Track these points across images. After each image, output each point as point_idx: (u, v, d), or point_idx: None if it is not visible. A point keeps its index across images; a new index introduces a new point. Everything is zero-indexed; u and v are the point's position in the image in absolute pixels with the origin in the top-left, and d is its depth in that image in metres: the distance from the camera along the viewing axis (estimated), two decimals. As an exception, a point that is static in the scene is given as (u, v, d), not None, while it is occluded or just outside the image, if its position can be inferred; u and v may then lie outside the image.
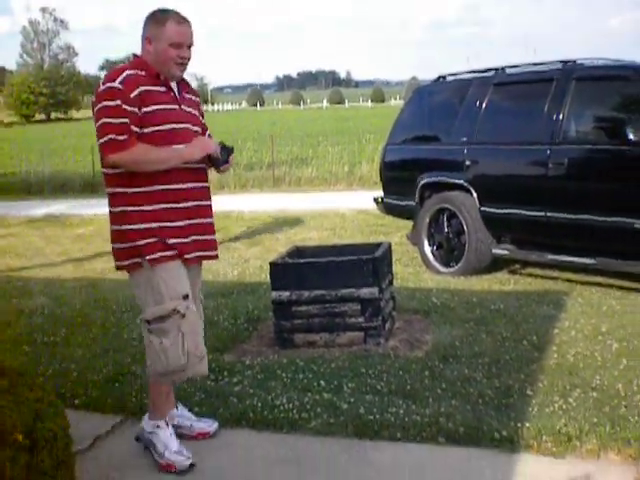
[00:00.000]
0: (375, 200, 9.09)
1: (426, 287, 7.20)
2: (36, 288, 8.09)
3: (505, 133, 7.44)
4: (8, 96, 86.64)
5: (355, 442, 3.91)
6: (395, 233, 10.47)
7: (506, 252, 7.51)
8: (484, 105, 7.60)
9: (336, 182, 18.23)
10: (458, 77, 8.36)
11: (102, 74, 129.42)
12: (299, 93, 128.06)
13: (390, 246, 6.03)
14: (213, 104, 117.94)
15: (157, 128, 3.59)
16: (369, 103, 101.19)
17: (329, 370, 4.85)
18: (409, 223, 8.84)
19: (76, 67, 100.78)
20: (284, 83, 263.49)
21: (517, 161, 7.31)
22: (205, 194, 3.84)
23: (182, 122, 3.71)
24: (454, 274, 7.75)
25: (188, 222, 3.70)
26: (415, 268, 8.21)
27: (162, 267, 3.62)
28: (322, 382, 4.63)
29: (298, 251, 6.05)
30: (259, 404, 4.33)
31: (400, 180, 8.62)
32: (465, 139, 7.70)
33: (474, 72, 8.21)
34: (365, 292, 5.33)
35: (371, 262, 5.37)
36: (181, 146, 3.65)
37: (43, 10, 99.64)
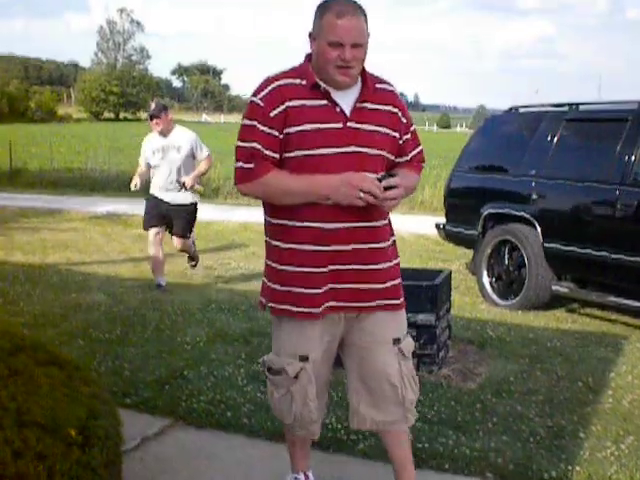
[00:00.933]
0: (437, 226, 9.03)
1: (482, 318, 7.11)
2: (94, 284, 8.21)
3: (575, 169, 7.33)
4: (79, 92, 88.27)
5: (401, 469, 3.87)
6: (454, 261, 10.41)
7: (566, 290, 7.39)
8: (555, 140, 7.52)
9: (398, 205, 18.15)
10: (530, 109, 8.28)
11: (173, 78, 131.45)
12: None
13: (450, 274, 5.97)
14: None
15: (307, 152, 2.94)
16: (435, 128, 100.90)
17: (379, 393, 4.81)
18: (469, 252, 8.78)
19: (148, 70, 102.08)
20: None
21: (585, 199, 7.20)
22: (370, 235, 3.04)
23: (345, 145, 2.96)
24: (511, 307, 7.66)
25: (333, 268, 3.01)
26: (472, 298, 8.13)
27: (286, 319, 3.13)
28: (372, 405, 4.60)
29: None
30: (307, 421, 4.31)
31: (464, 208, 8.56)
32: (533, 172, 7.62)
33: (547, 105, 8.12)
34: (422, 318, 5.28)
35: (430, 289, 5.33)
36: (338, 176, 2.90)
37: (121, 11, 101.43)
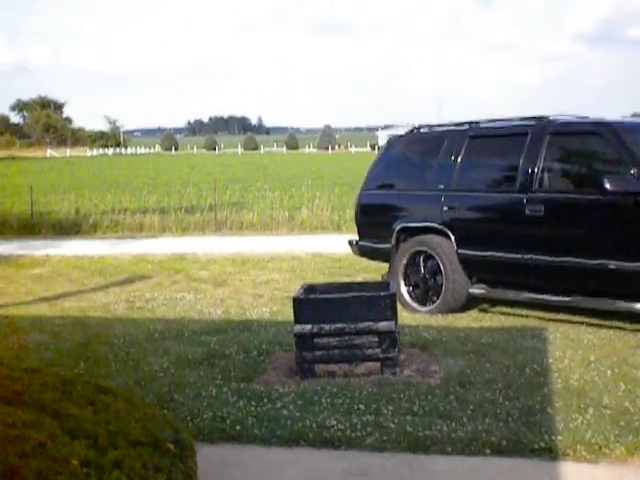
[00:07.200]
0: (350, 243, 9.56)
1: (410, 324, 7.68)
2: (25, 325, 8.23)
3: (483, 181, 8.08)
4: None
5: (410, 456, 4.38)
6: (356, 275, 10.98)
7: (483, 291, 8.09)
8: (461, 155, 8.22)
9: (277, 227, 18.65)
10: (433, 129, 8.99)
11: (13, 114, 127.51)
12: (213, 138, 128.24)
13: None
14: (126, 147, 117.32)
15: None
16: (283, 149, 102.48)
17: (363, 396, 5.30)
18: (368, 266, 9.39)
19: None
20: (195, 128, 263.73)
21: (496, 207, 7.95)
22: None
23: None
24: (431, 312, 8.26)
25: None
26: (393, 306, 8.71)
27: None
28: (361, 406, 5.09)
29: (309, 288, 6.48)
30: (313, 425, 4.74)
31: (376, 224, 9.12)
32: (442, 186, 8.28)
33: (448, 125, 8.86)
34: (383, 325, 5.80)
35: (389, 298, 5.87)
36: None
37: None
